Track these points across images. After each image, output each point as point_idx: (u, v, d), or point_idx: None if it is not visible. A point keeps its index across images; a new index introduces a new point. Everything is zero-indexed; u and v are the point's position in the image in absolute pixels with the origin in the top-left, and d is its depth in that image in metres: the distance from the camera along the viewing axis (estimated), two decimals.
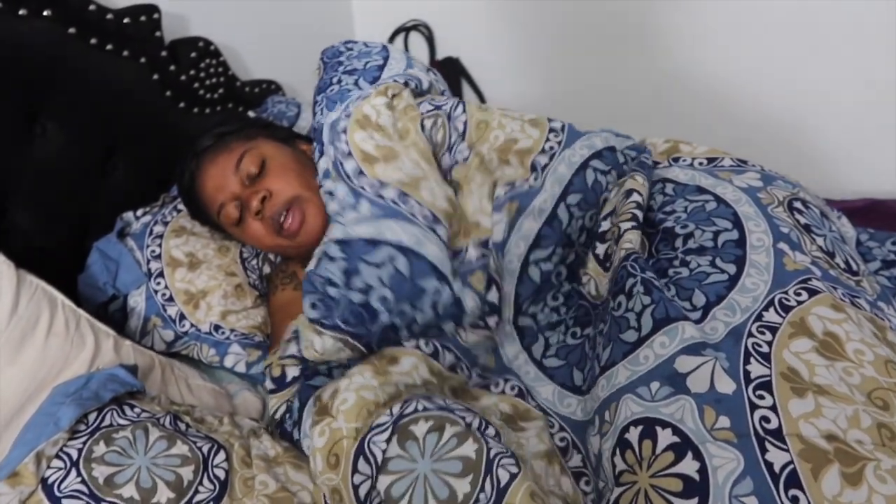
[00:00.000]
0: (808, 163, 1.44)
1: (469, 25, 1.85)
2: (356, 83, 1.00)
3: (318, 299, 0.78)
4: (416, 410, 0.67)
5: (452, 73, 1.86)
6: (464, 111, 0.94)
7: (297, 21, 1.75)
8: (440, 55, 1.92)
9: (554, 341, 0.84)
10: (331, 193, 0.87)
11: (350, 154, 0.89)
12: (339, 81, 1.02)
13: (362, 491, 0.64)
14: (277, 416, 0.81)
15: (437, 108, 0.95)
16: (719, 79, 1.51)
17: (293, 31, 1.73)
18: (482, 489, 0.59)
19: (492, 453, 0.61)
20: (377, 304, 0.78)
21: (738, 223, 0.74)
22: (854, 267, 0.74)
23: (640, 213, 0.79)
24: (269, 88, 1.57)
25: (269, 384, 0.84)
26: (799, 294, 0.64)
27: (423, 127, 0.93)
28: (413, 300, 0.78)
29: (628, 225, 0.78)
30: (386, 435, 0.65)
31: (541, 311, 0.85)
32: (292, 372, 0.82)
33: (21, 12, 0.98)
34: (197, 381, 0.94)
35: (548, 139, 0.89)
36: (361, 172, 0.87)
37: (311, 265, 0.83)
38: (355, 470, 0.65)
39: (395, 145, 0.89)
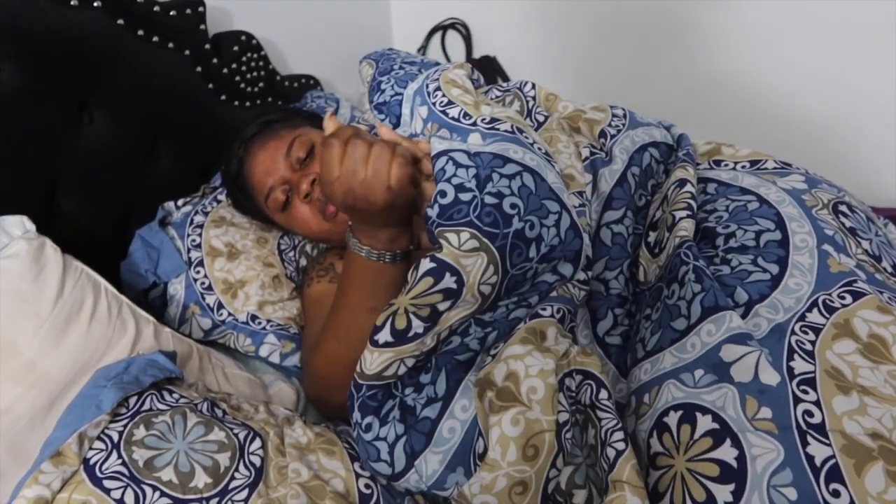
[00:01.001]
0: (851, 169, 1.40)
1: (506, 24, 1.84)
2: (419, 71, 1.07)
3: (453, 196, 0.72)
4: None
5: (489, 71, 1.86)
6: (532, 87, 1.02)
7: (336, 18, 1.77)
8: (477, 54, 1.92)
9: (620, 318, 0.82)
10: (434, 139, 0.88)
11: (452, 103, 0.93)
12: (402, 68, 1.08)
13: (551, 486, 0.63)
14: (388, 373, 0.70)
15: (506, 90, 1.03)
16: (758, 81, 1.48)
17: (332, 27, 1.75)
18: None
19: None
20: (509, 210, 0.72)
21: (781, 224, 0.73)
22: None
23: (693, 203, 0.79)
24: (308, 83, 1.58)
25: (382, 336, 0.68)
26: (843, 297, 0.63)
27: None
28: (540, 215, 0.74)
29: (683, 213, 0.77)
30: (571, 433, 0.66)
31: (614, 279, 0.83)
32: (418, 326, 0.68)
33: (73, 2, 1.00)
34: (233, 370, 0.96)
35: (612, 120, 0.95)
36: (467, 115, 0.90)
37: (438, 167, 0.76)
38: (553, 465, 0.63)
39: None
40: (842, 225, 0.74)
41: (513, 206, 0.72)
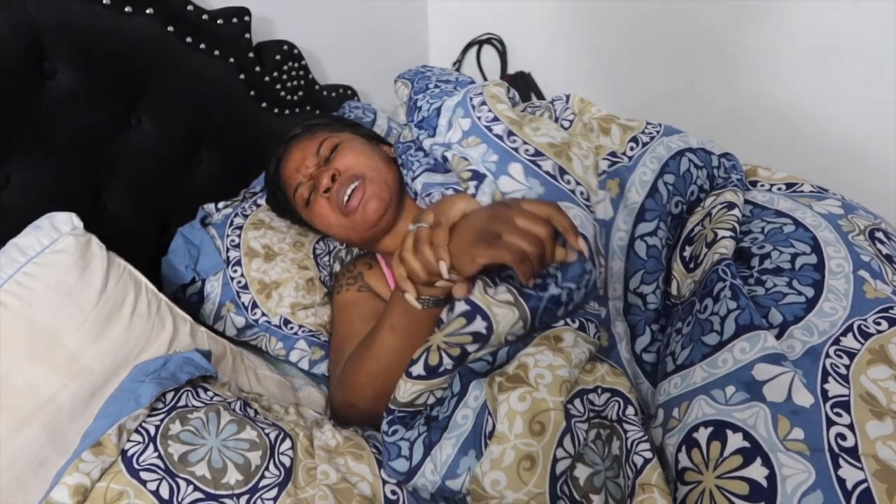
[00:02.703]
0: (890, 196, 1.38)
1: (542, 41, 1.85)
2: (454, 88, 1.08)
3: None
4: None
5: (523, 87, 1.87)
6: (567, 98, 1.03)
7: (375, 30, 1.80)
8: (511, 69, 1.93)
9: (657, 333, 0.83)
10: (465, 159, 0.91)
11: (497, 119, 0.92)
12: (437, 86, 1.09)
13: (559, 467, 0.65)
14: (418, 402, 0.76)
15: (538, 107, 1.04)
16: (798, 103, 1.47)
17: (371, 39, 1.78)
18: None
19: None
20: (549, 273, 0.76)
21: (817, 248, 0.73)
22: None
23: (738, 227, 0.79)
24: (346, 94, 1.61)
25: (416, 369, 0.74)
26: (879, 323, 0.62)
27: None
28: (577, 281, 0.76)
29: (727, 233, 0.78)
30: (586, 426, 0.69)
31: (651, 293, 0.84)
32: (448, 363, 0.74)
33: (127, 9, 1.03)
34: (265, 372, 0.97)
35: (646, 128, 0.95)
36: (512, 134, 0.89)
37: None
38: (560, 444, 0.66)
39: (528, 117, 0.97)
40: (878, 251, 0.74)
41: (551, 274, 0.75)
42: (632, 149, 0.91)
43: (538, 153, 0.86)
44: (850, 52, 1.36)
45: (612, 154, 0.91)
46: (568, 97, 1.04)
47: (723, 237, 0.77)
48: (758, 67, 1.50)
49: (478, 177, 0.86)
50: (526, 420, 0.66)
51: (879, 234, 0.77)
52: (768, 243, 0.76)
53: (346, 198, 0.97)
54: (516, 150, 0.87)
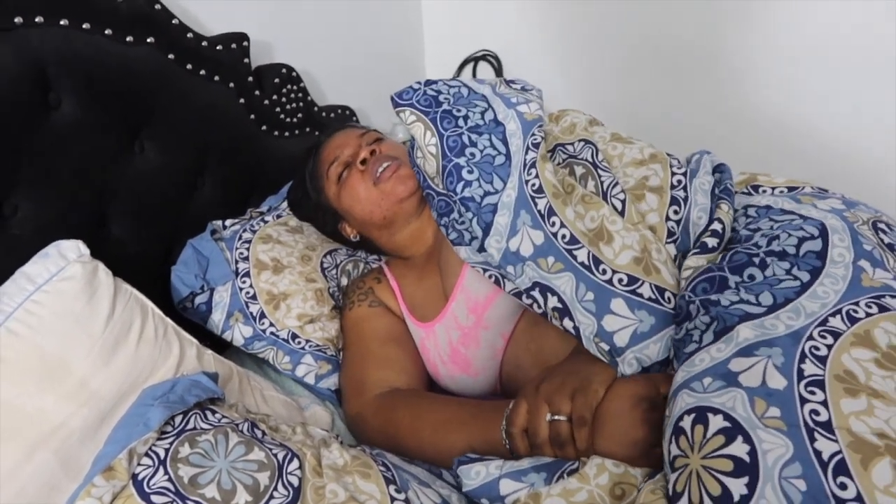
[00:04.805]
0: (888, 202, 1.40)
1: (537, 56, 1.88)
2: (492, 145, 0.96)
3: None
4: None
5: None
6: (597, 150, 0.93)
7: (371, 50, 1.82)
8: None
9: None
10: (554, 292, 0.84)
11: (575, 240, 0.83)
12: (474, 143, 0.96)
13: None
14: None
15: (574, 157, 0.94)
16: (792, 111, 1.49)
17: (368, 59, 1.81)
18: None
19: None
20: None
21: (824, 233, 0.74)
22: None
23: (712, 241, 0.80)
24: (345, 114, 1.63)
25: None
26: (870, 307, 0.64)
27: (575, 176, 0.92)
28: None
29: (696, 251, 0.80)
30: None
31: None
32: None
33: (129, 39, 1.06)
34: (271, 393, 0.99)
35: (673, 183, 0.88)
36: (598, 261, 0.82)
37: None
38: None
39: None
40: (881, 241, 0.75)
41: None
42: (675, 213, 0.85)
43: (632, 279, 0.79)
44: (842, 53, 1.38)
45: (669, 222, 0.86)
46: (596, 148, 0.94)
47: (690, 255, 0.80)
48: (742, 77, 1.52)
49: (568, 314, 0.81)
50: (612, 479, 0.68)
51: (882, 226, 0.79)
52: (778, 230, 0.78)
53: (380, 169, 1.07)
54: (610, 281, 0.80)
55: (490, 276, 0.89)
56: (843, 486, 0.50)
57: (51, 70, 0.95)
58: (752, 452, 0.54)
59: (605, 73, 1.76)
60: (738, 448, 0.55)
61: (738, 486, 0.53)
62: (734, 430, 0.57)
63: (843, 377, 0.57)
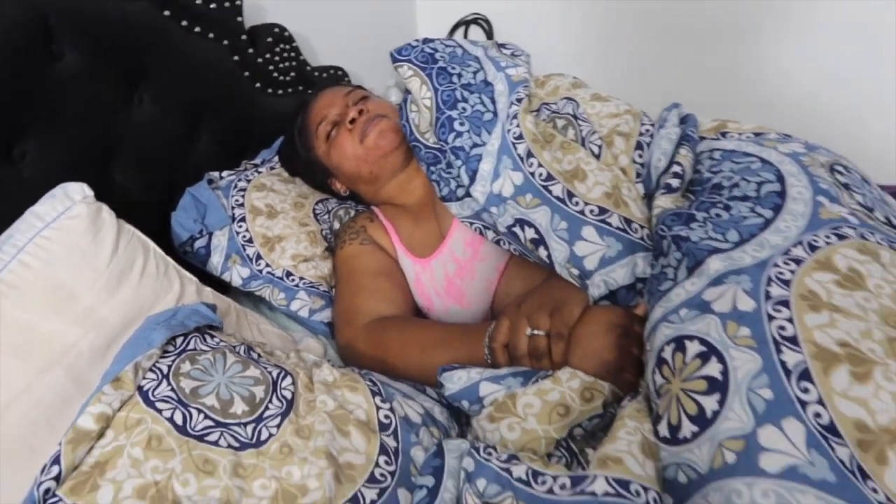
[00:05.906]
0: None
1: (528, 19, 1.90)
2: (482, 102, 1.03)
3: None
4: None
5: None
6: (578, 105, 1.01)
7: (363, 12, 1.85)
8: None
9: None
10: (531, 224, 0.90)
11: (552, 178, 0.90)
12: (465, 87, 1.05)
13: (577, 432, 0.77)
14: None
15: (557, 112, 1.02)
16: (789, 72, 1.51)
17: (360, 21, 1.84)
18: None
19: None
20: None
21: (780, 178, 0.78)
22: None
23: (675, 182, 0.86)
24: (336, 74, 1.67)
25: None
26: (829, 237, 0.67)
27: (557, 127, 1.00)
28: None
29: (663, 190, 0.85)
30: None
31: None
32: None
33: None
34: (266, 327, 1.05)
35: (642, 130, 0.97)
36: (572, 195, 0.88)
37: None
38: (590, 420, 0.76)
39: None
40: (837, 181, 0.79)
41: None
42: (640, 156, 0.93)
43: (602, 210, 0.86)
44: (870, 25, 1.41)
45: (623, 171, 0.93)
46: (578, 104, 1.01)
47: (659, 194, 0.85)
48: (752, 46, 1.54)
49: (543, 243, 0.88)
50: (583, 385, 0.75)
51: (839, 168, 0.83)
52: (737, 175, 0.82)
53: (367, 129, 1.11)
54: (582, 212, 0.87)
55: (476, 229, 0.97)
56: (805, 391, 0.55)
57: (54, 23, 1.00)
58: (724, 371, 0.59)
59: (597, 38, 1.79)
60: (713, 368, 0.59)
61: (711, 403, 0.58)
62: (709, 352, 0.61)
63: (807, 296, 0.61)
